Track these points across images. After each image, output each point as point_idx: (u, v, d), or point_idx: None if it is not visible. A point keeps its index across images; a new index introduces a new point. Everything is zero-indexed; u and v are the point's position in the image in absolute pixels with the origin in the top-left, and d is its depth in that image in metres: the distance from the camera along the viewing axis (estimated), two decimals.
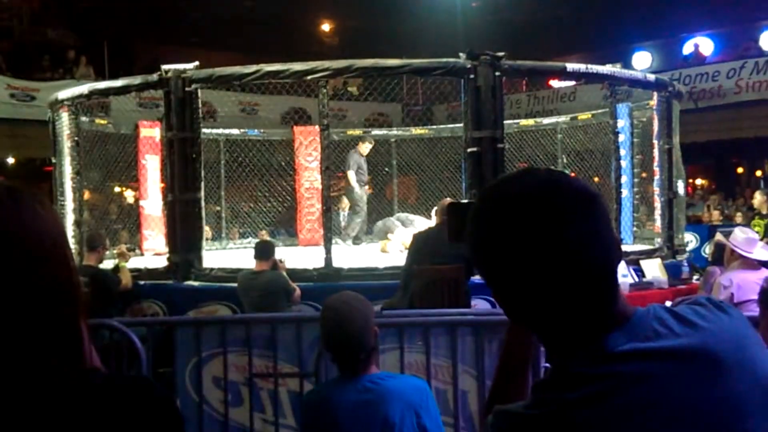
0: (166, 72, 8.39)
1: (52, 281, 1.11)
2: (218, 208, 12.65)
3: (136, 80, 9.08)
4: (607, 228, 1.24)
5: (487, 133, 8.07)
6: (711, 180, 23.19)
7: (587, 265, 1.20)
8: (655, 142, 10.06)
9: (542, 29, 22.64)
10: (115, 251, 9.12)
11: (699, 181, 23.04)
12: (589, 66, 9.41)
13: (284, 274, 7.47)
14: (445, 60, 8.36)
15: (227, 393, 5.10)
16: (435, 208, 8.96)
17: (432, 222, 9.41)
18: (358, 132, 13.77)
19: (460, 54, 8.25)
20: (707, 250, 11.10)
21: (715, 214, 16.65)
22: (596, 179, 11.53)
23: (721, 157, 22.18)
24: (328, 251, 8.12)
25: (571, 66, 9.24)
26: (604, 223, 1.24)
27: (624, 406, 1.14)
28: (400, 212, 12.42)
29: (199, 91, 8.40)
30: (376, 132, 14.31)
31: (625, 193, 10.05)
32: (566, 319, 1.22)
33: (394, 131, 14.41)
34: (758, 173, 22.08)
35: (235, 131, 12.96)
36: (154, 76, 8.60)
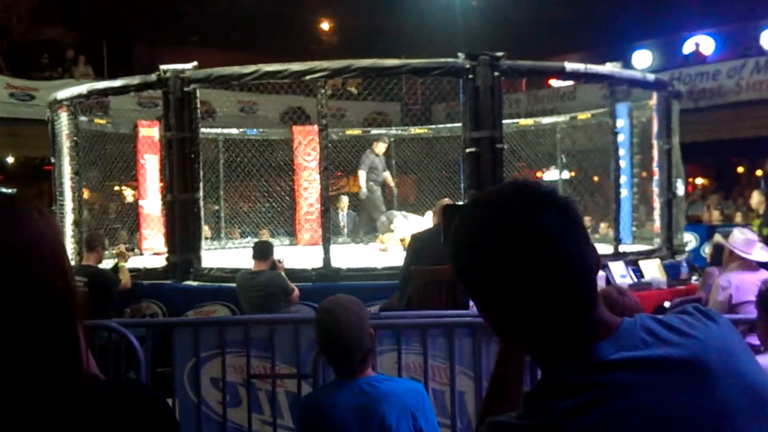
0: (165, 72, 8.39)
1: (49, 288, 1.12)
2: (216, 208, 12.63)
3: (135, 80, 9.09)
4: (581, 231, 1.25)
5: (485, 133, 8.07)
6: (711, 180, 23.17)
7: (563, 263, 1.21)
8: (655, 141, 10.05)
9: (542, 28, 22.62)
10: (114, 251, 9.13)
11: (699, 181, 23.02)
12: (589, 66, 9.40)
13: (283, 274, 7.48)
14: (444, 60, 8.36)
15: (225, 394, 5.10)
16: (433, 208, 8.95)
17: (428, 222, 9.40)
18: (357, 131, 13.77)
19: (459, 54, 8.25)
20: (706, 250, 11.10)
21: (715, 214, 16.64)
22: (595, 179, 11.52)
23: (721, 157, 22.17)
24: (326, 251, 8.12)
25: (570, 66, 9.23)
26: (579, 226, 1.25)
27: (613, 414, 1.15)
28: (396, 211, 12.39)
29: (197, 90, 8.40)
30: (375, 131, 14.31)
31: (624, 192, 10.04)
32: (549, 326, 1.23)
33: (393, 131, 14.40)
34: (758, 173, 22.04)
35: (233, 131, 12.96)
36: (153, 76, 8.61)
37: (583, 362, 1.20)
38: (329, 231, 8.49)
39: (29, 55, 18.62)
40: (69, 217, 9.44)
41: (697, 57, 20.73)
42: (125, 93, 9.50)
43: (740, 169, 23.21)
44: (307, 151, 12.17)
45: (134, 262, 9.19)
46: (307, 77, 8.24)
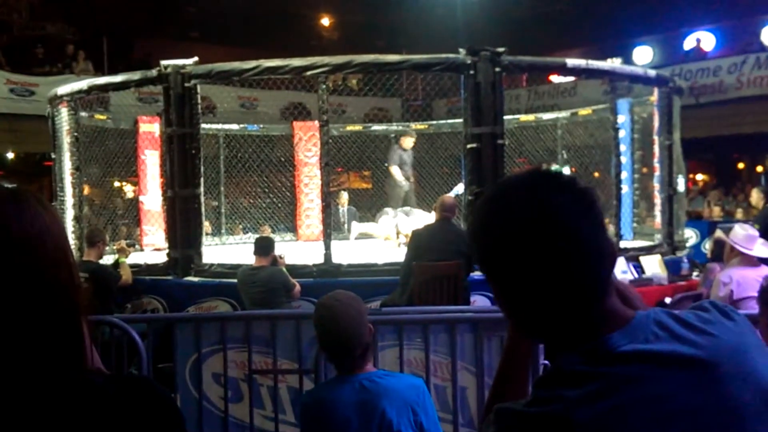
0: (166, 67, 8.39)
1: (53, 282, 1.12)
2: (215, 203, 12.62)
3: (136, 76, 9.09)
4: (598, 218, 1.25)
5: (486, 129, 8.07)
6: (712, 176, 23.17)
7: (576, 246, 1.20)
8: (656, 137, 10.05)
9: (543, 24, 22.63)
10: (114, 247, 9.13)
11: (699, 177, 23.02)
12: (590, 62, 9.40)
13: (284, 269, 7.48)
14: (444, 56, 8.35)
15: (227, 389, 5.11)
16: (434, 204, 8.94)
17: (431, 216, 9.40)
18: (357, 127, 13.76)
19: (460, 50, 8.25)
20: (707, 246, 11.10)
21: (716, 210, 16.65)
22: (596, 175, 11.51)
23: (722, 153, 22.18)
24: (327, 247, 8.13)
25: (571, 62, 9.23)
26: (596, 213, 1.25)
27: (622, 406, 1.15)
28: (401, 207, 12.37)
29: (198, 86, 8.40)
30: (375, 127, 14.30)
31: (625, 189, 10.04)
32: (560, 311, 1.23)
33: (394, 126, 14.39)
34: (759, 169, 22.05)
35: (234, 126, 12.95)
36: (154, 72, 8.61)
37: (593, 352, 1.20)
38: (330, 227, 8.49)
39: (29, 51, 18.61)
40: (69, 213, 9.45)
41: (697, 53, 20.73)
42: (126, 88, 9.49)
43: (741, 165, 23.20)
44: (308, 147, 12.17)
45: (135, 257, 9.19)
46: (308, 73, 8.23)
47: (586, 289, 1.22)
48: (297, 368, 5.02)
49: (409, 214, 11.15)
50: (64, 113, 9.70)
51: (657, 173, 10.05)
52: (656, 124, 10.01)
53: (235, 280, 7.52)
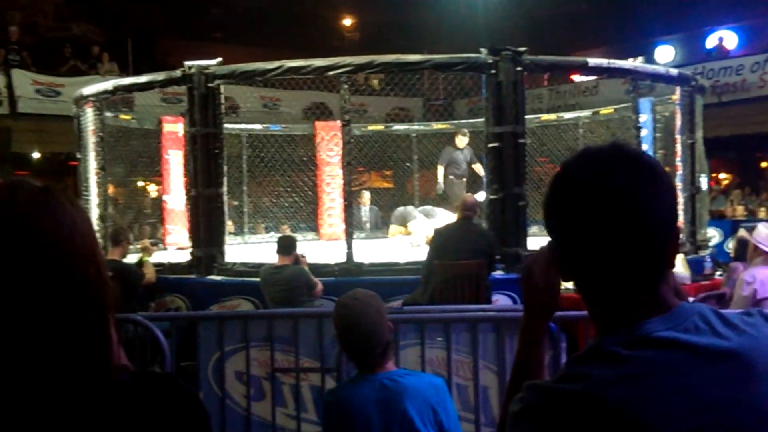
0: (189, 68, 8.45)
1: (82, 278, 1.13)
2: (236, 203, 12.69)
3: (160, 76, 9.16)
4: (666, 195, 1.27)
5: (508, 128, 8.06)
6: (735, 175, 22.96)
7: (636, 217, 1.22)
8: (678, 136, 9.99)
9: (564, 23, 22.53)
10: (138, 246, 9.20)
11: (722, 176, 22.83)
12: (611, 61, 9.37)
13: (306, 268, 7.51)
14: (466, 55, 8.36)
15: (250, 387, 5.14)
16: (456, 203, 8.95)
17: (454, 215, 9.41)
18: (379, 127, 13.80)
19: (482, 49, 8.24)
20: (730, 245, 11.02)
21: (739, 209, 16.51)
22: None
23: (745, 152, 21.97)
24: (349, 246, 8.15)
25: (593, 61, 9.20)
26: (665, 189, 1.27)
27: (652, 391, 1.16)
28: (422, 206, 12.40)
29: (221, 86, 8.45)
30: (397, 127, 14.32)
31: None
32: (613, 283, 1.25)
33: (415, 126, 14.41)
34: None
35: (257, 126, 13.01)
36: (178, 72, 8.67)
37: (632, 334, 1.21)
38: (352, 226, 8.52)
39: (55, 52, 18.77)
40: (94, 212, 9.53)
41: (720, 51, 20.54)
42: (150, 89, 9.58)
43: (764, 164, 22.97)
44: (330, 147, 12.19)
45: (158, 256, 9.26)
46: (331, 73, 8.26)
47: (643, 262, 1.24)
48: (319, 367, 5.05)
49: (431, 215, 11.16)
50: (89, 113, 9.79)
51: (679, 172, 9.99)
52: (678, 123, 9.95)
53: (258, 279, 7.56)
